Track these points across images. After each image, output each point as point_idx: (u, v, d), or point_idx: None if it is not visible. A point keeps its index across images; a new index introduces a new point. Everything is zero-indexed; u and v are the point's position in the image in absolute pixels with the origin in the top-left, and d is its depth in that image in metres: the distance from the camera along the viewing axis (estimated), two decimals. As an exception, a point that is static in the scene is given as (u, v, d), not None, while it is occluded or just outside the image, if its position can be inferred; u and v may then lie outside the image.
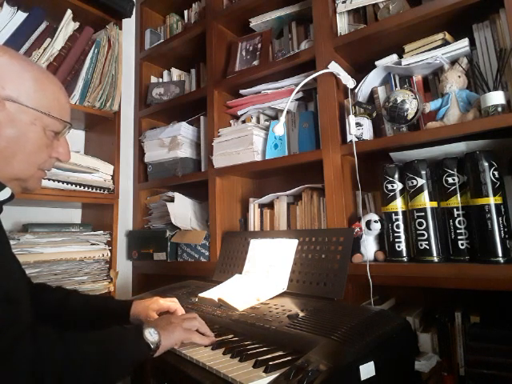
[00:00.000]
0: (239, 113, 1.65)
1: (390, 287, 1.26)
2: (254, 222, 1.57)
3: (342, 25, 1.36)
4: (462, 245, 1.04)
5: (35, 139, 0.75)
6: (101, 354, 0.67)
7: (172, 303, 1.01)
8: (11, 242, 0.98)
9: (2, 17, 1.40)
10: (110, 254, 1.60)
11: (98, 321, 1.00)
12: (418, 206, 1.10)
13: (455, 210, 1.06)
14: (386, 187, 1.17)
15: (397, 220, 1.15)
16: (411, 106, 1.13)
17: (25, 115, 0.73)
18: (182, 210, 1.70)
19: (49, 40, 1.48)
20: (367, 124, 1.26)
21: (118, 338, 0.73)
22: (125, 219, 1.88)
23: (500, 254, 0.96)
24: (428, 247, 1.07)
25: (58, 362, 0.61)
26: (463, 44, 1.13)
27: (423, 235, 1.08)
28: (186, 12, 1.94)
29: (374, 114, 1.28)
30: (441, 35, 1.17)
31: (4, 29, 1.39)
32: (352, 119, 1.24)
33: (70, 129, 0.82)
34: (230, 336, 0.87)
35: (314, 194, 1.40)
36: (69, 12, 1.55)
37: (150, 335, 0.74)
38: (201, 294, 1.15)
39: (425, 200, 1.09)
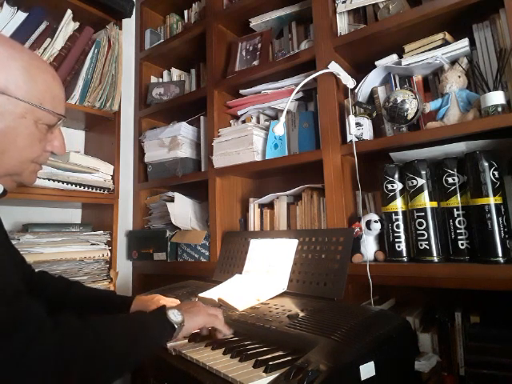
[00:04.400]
0: (239, 113, 1.65)
1: (390, 287, 1.26)
2: (254, 222, 1.57)
3: (342, 25, 1.36)
4: (462, 245, 1.04)
5: (26, 134, 0.70)
6: (127, 337, 0.66)
7: (173, 304, 1.01)
8: (12, 242, 0.99)
9: (2, 17, 1.39)
10: (110, 254, 1.60)
11: (98, 314, 1.00)
12: (418, 206, 1.10)
13: (455, 210, 1.06)
14: (386, 187, 1.17)
15: (397, 220, 1.15)
16: (411, 106, 1.13)
17: (14, 108, 0.68)
18: (182, 210, 1.70)
19: (49, 40, 1.48)
20: (367, 124, 1.26)
21: (142, 319, 0.72)
22: (125, 219, 1.88)
23: (500, 254, 0.96)
24: (428, 247, 1.07)
25: (85, 347, 0.60)
26: (463, 44, 1.13)
27: (423, 235, 1.08)
28: (186, 12, 1.94)
29: (374, 114, 1.28)
30: (441, 35, 1.17)
31: (4, 29, 1.39)
32: (352, 119, 1.24)
33: (64, 121, 0.78)
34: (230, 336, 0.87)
35: (314, 193, 1.40)
36: (69, 12, 1.55)
37: (174, 316, 0.74)
38: (201, 294, 1.15)
39: (425, 200, 1.09)
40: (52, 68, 0.77)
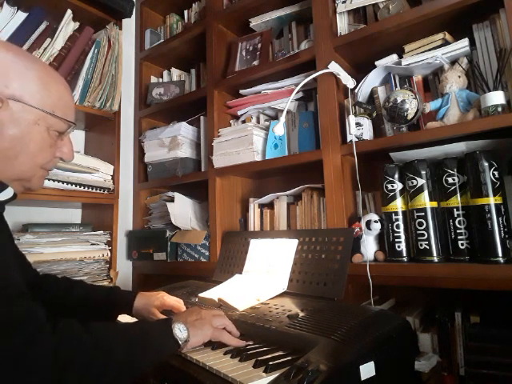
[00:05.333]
0: (239, 113, 1.65)
1: (390, 287, 1.26)
2: (254, 222, 1.57)
3: (342, 25, 1.36)
4: (462, 245, 1.04)
5: (39, 139, 0.74)
6: (127, 346, 0.66)
7: (176, 303, 1.01)
8: (17, 246, 0.99)
9: (2, 17, 1.40)
10: (110, 254, 1.60)
11: (100, 312, 1.00)
12: (418, 206, 1.10)
13: (455, 210, 1.06)
14: (386, 187, 1.17)
15: (397, 220, 1.15)
16: (411, 106, 1.13)
17: (28, 115, 0.72)
18: (182, 210, 1.70)
19: (49, 40, 1.48)
20: (367, 124, 1.26)
21: (146, 331, 0.71)
22: (125, 219, 1.88)
23: (500, 254, 0.96)
24: (428, 247, 1.07)
25: (84, 352, 0.60)
26: (463, 44, 1.13)
27: (423, 235, 1.08)
28: (186, 12, 1.94)
29: (374, 114, 1.28)
30: (441, 35, 1.17)
31: (4, 29, 1.39)
32: (352, 119, 1.24)
33: (74, 128, 0.81)
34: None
35: (314, 193, 1.40)
36: (69, 12, 1.55)
37: (180, 331, 0.73)
38: (201, 294, 1.15)
39: (425, 200, 1.09)
40: (63, 79, 0.81)
